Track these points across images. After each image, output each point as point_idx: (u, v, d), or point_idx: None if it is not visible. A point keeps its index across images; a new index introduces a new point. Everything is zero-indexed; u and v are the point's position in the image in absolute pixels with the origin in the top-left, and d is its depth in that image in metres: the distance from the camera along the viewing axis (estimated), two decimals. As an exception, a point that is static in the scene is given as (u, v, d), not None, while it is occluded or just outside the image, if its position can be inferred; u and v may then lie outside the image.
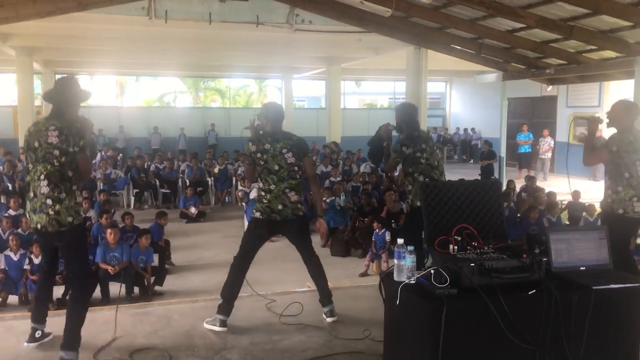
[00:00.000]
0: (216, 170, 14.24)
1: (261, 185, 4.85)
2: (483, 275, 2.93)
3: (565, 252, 3.28)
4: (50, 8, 10.56)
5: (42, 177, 3.88)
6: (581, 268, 3.30)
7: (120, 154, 18.07)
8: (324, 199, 10.87)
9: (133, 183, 13.47)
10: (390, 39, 13.75)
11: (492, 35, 11.78)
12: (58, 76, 24.48)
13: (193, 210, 12.40)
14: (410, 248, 3.11)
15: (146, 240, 7.83)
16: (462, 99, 27.49)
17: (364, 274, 8.72)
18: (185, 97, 27.02)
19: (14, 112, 21.58)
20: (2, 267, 7.31)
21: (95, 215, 9.34)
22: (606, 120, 5.25)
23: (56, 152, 3.87)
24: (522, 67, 13.66)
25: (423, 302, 2.92)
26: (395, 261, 3.15)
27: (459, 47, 13.19)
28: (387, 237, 8.96)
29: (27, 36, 13.94)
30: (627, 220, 5.09)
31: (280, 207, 4.76)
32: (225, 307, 4.70)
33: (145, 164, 14.45)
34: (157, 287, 7.90)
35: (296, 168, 4.85)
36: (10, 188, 12.57)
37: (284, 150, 4.78)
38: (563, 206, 10.72)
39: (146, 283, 7.84)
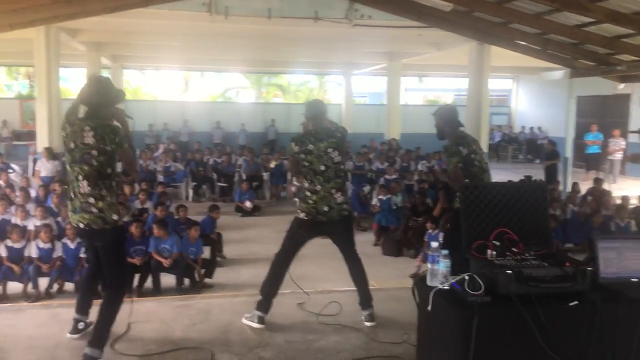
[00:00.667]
0: (272, 165, 14.31)
1: (307, 185, 4.71)
2: (520, 283, 2.75)
3: (615, 261, 3.05)
4: (115, 4, 10.88)
5: (80, 177, 3.92)
6: (633, 280, 3.05)
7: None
8: (380, 197, 10.72)
9: (192, 176, 13.73)
10: (452, 35, 13.44)
11: (558, 30, 11.30)
12: (126, 71, 25.40)
13: (248, 204, 12.49)
14: (445, 252, 2.96)
15: (195, 232, 7.92)
16: (529, 96, 26.56)
17: (415, 275, 8.51)
18: (248, 93, 27.35)
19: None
20: (60, 254, 7.54)
21: (152, 207, 9.54)
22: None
23: (94, 152, 3.89)
24: (592, 63, 13.05)
25: (454, 310, 2.77)
26: (429, 265, 3.01)
27: (524, 43, 12.73)
28: (441, 238, 8.73)
29: (95, 32, 14.43)
30: None
31: (326, 208, 4.64)
32: (264, 304, 4.67)
33: (205, 157, 14.69)
34: (206, 279, 7.97)
35: (342, 166, 4.77)
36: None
37: (330, 150, 4.65)
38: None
39: (196, 275, 7.92)
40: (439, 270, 2.95)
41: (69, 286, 7.72)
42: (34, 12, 10.54)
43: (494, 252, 3.00)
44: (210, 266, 8.10)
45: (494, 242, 3.04)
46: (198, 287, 7.80)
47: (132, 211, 9.84)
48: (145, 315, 4.68)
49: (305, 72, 26.31)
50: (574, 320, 2.78)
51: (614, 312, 2.79)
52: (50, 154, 11.88)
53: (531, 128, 24.90)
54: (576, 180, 12.94)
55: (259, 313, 4.63)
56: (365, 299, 4.82)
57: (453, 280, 2.89)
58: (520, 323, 2.68)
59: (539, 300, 2.73)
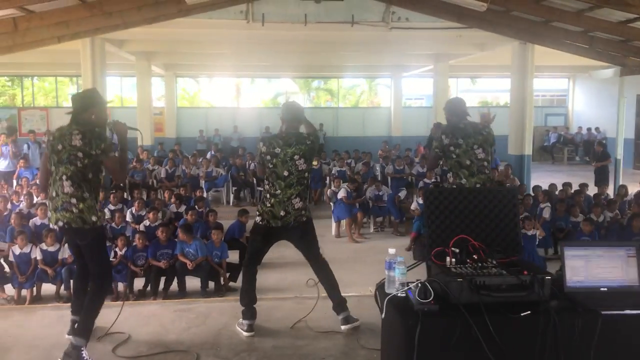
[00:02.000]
0: (315, 164, 14.42)
1: (267, 187, 4.69)
2: (473, 292, 2.66)
3: (582, 270, 2.90)
4: (153, 14, 11.20)
5: (64, 177, 4.09)
6: (602, 289, 2.90)
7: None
8: (420, 200, 10.56)
9: (232, 181, 13.96)
10: (495, 35, 13.14)
11: (602, 27, 10.86)
12: (180, 79, 26.11)
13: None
14: (401, 259, 2.90)
15: (217, 235, 8.04)
16: (587, 96, 25.55)
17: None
18: (298, 98, 27.53)
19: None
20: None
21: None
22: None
23: (80, 154, 4.08)
24: (642, 60, 12.50)
25: (400, 318, 2.70)
26: (386, 272, 2.96)
27: (568, 42, 12.29)
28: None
29: (140, 42, 14.95)
30: None
31: (282, 213, 4.58)
32: (248, 312, 4.67)
33: (247, 163, 14.91)
34: (231, 283, 8.09)
35: (306, 174, 4.67)
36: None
37: (296, 157, 4.58)
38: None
39: (222, 279, 8.05)
40: (395, 277, 2.90)
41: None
42: (77, 25, 10.97)
43: (453, 260, 2.92)
44: (235, 270, 8.20)
45: (453, 249, 2.95)
46: (222, 291, 7.93)
47: (168, 215, 10.11)
48: (145, 319, 4.80)
49: (354, 76, 26.23)
50: (526, 331, 2.65)
51: (570, 323, 2.65)
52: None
53: (588, 129, 23.95)
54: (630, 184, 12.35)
55: (246, 321, 4.63)
56: (338, 303, 4.73)
57: (408, 288, 2.83)
58: (468, 333, 2.59)
59: (491, 310, 2.63)
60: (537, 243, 8.52)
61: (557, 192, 11.36)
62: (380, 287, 3.06)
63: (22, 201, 10.47)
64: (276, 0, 12.20)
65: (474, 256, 2.93)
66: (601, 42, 11.93)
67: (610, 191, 12.54)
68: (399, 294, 2.86)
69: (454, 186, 5.27)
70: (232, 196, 13.94)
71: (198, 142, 22.91)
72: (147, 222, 8.89)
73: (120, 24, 11.23)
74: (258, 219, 4.72)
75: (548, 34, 12.11)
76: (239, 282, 8.17)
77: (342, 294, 4.82)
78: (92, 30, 11.65)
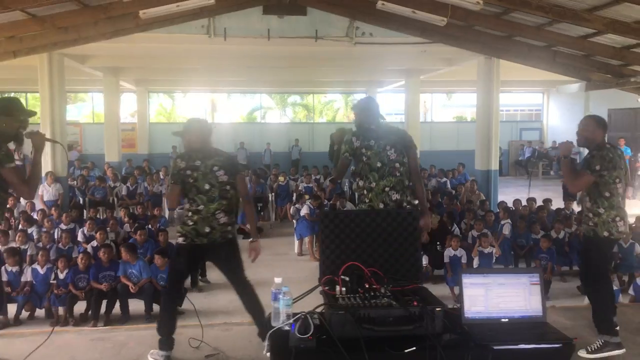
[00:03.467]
0: (281, 180, 14.26)
1: (187, 206, 4.46)
2: (357, 325, 2.45)
3: (482, 299, 2.70)
4: (110, 29, 10.98)
5: None
6: (502, 320, 2.70)
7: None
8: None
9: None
10: (460, 50, 13.08)
11: (563, 42, 10.84)
12: (153, 94, 25.84)
13: (249, 226, 12.32)
14: (286, 289, 2.68)
15: (159, 260, 7.76)
16: (561, 110, 25.65)
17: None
18: (274, 113, 27.40)
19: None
20: (29, 279, 7.53)
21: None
22: (575, 140, 4.79)
23: None
24: (607, 75, 12.45)
25: (274, 355, 2.49)
26: (272, 303, 2.74)
27: (533, 56, 12.24)
28: (425, 261, 8.37)
29: (102, 57, 14.71)
30: (611, 243, 4.71)
31: (207, 229, 4.37)
32: (166, 343, 4.41)
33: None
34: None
35: (228, 187, 4.46)
36: (81, 202, 13.19)
37: (215, 168, 4.40)
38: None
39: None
40: (279, 310, 2.67)
41: (40, 312, 7.68)
42: (32, 40, 10.75)
43: (344, 289, 2.71)
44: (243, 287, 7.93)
45: (343, 277, 2.74)
46: (167, 314, 7.62)
47: (122, 235, 9.84)
48: (57, 349, 4.51)
49: (329, 92, 26.20)
50: None
51: (460, 359, 2.45)
52: (53, 178, 12.05)
53: (564, 143, 23.98)
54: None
55: (163, 353, 4.38)
56: (263, 329, 4.46)
57: (293, 321, 2.60)
58: (345, 372, 2.37)
59: (375, 345, 2.42)
60: (494, 261, 8.33)
61: (520, 208, 11.23)
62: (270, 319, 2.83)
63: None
64: (238, 15, 12.08)
65: (366, 285, 2.72)
66: (564, 56, 11.90)
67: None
68: (283, 328, 2.63)
69: (364, 190, 4.81)
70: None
71: (171, 159, 22.59)
72: (94, 243, 8.61)
73: (76, 38, 11.01)
74: (181, 239, 4.47)
75: (512, 48, 12.07)
76: (188, 305, 7.97)
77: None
78: (49, 45, 11.41)
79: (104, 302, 7.45)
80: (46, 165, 12.37)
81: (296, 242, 11.24)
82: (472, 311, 2.69)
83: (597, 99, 19.29)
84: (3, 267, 7.57)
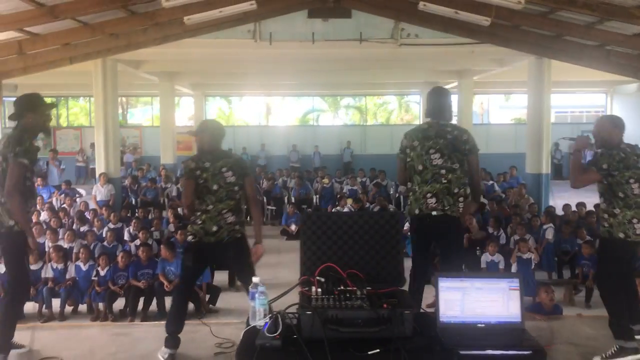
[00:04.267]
0: (325, 183, 14.31)
1: (197, 205, 4.56)
2: (325, 326, 2.46)
3: (458, 303, 2.65)
4: (158, 35, 11.33)
5: None
6: (479, 325, 2.63)
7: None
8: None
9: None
10: (511, 50, 12.78)
11: (616, 40, 10.38)
12: (210, 98, 26.45)
13: (293, 227, 12.49)
14: (262, 288, 2.72)
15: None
16: (627, 111, 24.45)
17: (432, 305, 8.03)
18: (327, 116, 27.53)
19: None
20: (72, 275, 7.88)
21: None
22: (592, 140, 4.82)
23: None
24: (666, 75, 11.89)
25: (240, 354, 2.52)
26: (250, 303, 2.78)
27: (585, 56, 11.80)
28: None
29: (156, 62, 15.16)
30: (629, 245, 4.44)
31: (215, 228, 4.46)
32: (171, 341, 4.50)
33: (263, 181, 14.91)
34: (211, 305, 7.99)
35: (236, 188, 4.55)
36: (133, 202, 13.67)
37: (224, 169, 4.52)
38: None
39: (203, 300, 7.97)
40: (256, 308, 2.71)
41: (82, 307, 8.00)
42: (85, 46, 11.22)
43: (319, 289, 2.71)
44: (215, 292, 8.12)
45: (319, 278, 2.75)
46: (202, 313, 7.82)
47: (167, 235, 10.13)
48: (78, 342, 4.73)
49: (382, 94, 26.12)
50: None
51: None
52: (106, 179, 12.54)
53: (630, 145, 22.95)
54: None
55: (167, 350, 4.47)
56: None
57: (266, 320, 2.63)
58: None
59: (342, 346, 2.42)
60: (532, 267, 8.09)
61: (570, 213, 10.85)
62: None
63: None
64: (284, 19, 12.22)
65: (341, 287, 2.72)
66: (619, 55, 11.39)
67: None
68: (257, 327, 2.67)
69: (409, 193, 4.72)
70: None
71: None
72: (137, 242, 8.91)
73: (127, 44, 11.41)
74: (190, 237, 4.61)
75: (562, 48, 11.66)
76: (224, 304, 8.15)
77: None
78: (102, 51, 11.86)
79: (142, 299, 7.69)
80: (99, 166, 12.90)
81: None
82: (447, 315, 2.65)
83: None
84: (50, 264, 7.94)
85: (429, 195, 4.50)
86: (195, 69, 17.15)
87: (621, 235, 4.37)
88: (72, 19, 9.42)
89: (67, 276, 7.84)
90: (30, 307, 7.75)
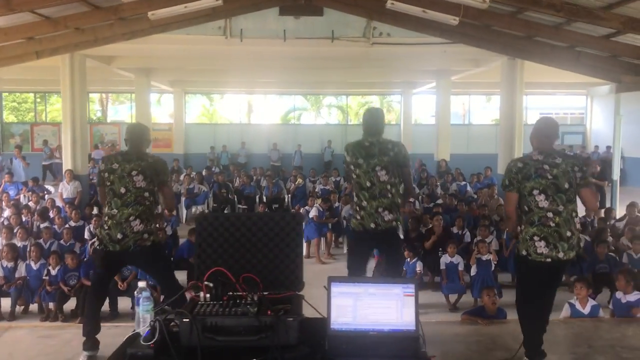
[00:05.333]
0: (299, 182, 14.19)
1: (106, 209, 4.42)
2: (201, 334, 2.34)
3: (350, 310, 2.54)
4: (125, 30, 11.18)
5: None
6: (371, 333, 2.52)
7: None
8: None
9: (214, 198, 13.79)
10: (485, 50, 12.71)
11: (585, 42, 10.40)
12: (191, 95, 26.22)
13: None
14: (147, 294, 2.59)
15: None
16: (605, 113, 24.60)
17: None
18: (309, 115, 27.36)
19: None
20: (23, 274, 7.71)
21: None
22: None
23: None
24: (638, 77, 11.84)
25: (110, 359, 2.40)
26: (136, 308, 2.65)
27: (555, 57, 11.75)
28: (419, 267, 8.14)
29: (127, 58, 14.96)
30: (531, 264, 4.09)
31: (119, 236, 4.28)
32: (88, 343, 4.36)
33: (236, 179, 14.81)
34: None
35: (146, 194, 4.37)
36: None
37: (134, 173, 4.34)
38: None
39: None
40: (140, 314, 2.58)
41: (34, 307, 7.84)
42: (51, 41, 11.04)
43: (208, 295, 2.59)
44: (173, 292, 7.94)
45: (207, 283, 2.62)
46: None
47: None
48: (3, 345, 4.57)
49: (363, 93, 26.01)
50: None
51: None
52: (71, 176, 12.36)
53: (608, 147, 22.95)
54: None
55: (85, 353, 4.33)
56: None
57: (149, 327, 2.51)
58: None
59: (221, 355, 2.30)
60: (492, 268, 8.02)
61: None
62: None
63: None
64: (255, 16, 12.11)
65: (230, 292, 2.60)
66: (589, 57, 11.38)
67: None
68: (143, 333, 2.54)
69: (356, 207, 4.88)
70: (212, 213, 13.77)
71: (208, 159, 22.90)
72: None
73: (92, 39, 11.23)
74: (97, 242, 4.49)
75: (533, 49, 11.63)
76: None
77: None
78: (70, 45, 11.66)
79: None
80: (66, 163, 12.70)
81: (304, 245, 11.11)
82: (338, 322, 2.53)
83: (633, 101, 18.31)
84: (0, 262, 7.77)
85: (380, 209, 4.71)
86: (169, 65, 16.97)
87: (524, 252, 4.13)
88: (31, 11, 9.24)
89: (17, 275, 7.66)
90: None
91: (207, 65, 16.36)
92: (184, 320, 2.37)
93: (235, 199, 13.67)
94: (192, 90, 25.10)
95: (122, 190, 4.32)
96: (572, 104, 27.12)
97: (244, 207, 13.71)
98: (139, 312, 2.59)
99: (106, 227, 4.35)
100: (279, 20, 12.23)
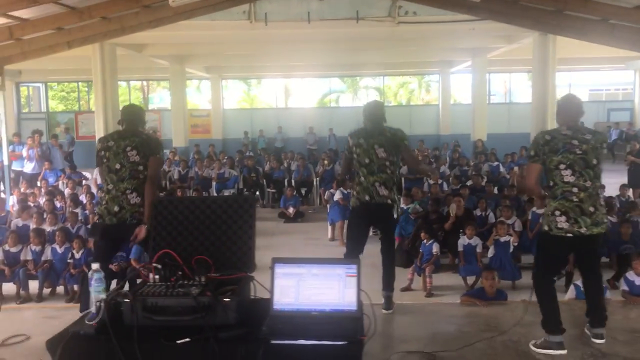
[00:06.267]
0: (326, 165, 14.20)
1: (104, 185, 4.60)
2: (140, 314, 2.39)
3: (293, 290, 2.54)
4: (150, 18, 11.35)
5: None
6: (313, 313, 2.52)
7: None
8: (402, 205, 10.11)
9: (243, 182, 13.94)
10: (514, 26, 12.36)
11: (617, 14, 9.91)
12: (230, 81, 26.45)
13: (291, 210, 12.44)
14: (99, 275, 2.65)
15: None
16: (656, 88, 23.61)
17: (407, 289, 7.92)
18: (346, 97, 27.26)
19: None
20: (49, 258, 8.00)
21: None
22: None
23: None
24: (679, 49, 11.32)
25: (54, 339, 2.47)
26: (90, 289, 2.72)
27: (588, 31, 11.31)
28: (435, 249, 8.04)
29: (158, 46, 15.19)
30: (553, 240, 4.04)
31: (116, 208, 4.42)
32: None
33: (266, 164, 14.94)
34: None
35: (140, 167, 4.47)
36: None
37: (128, 148, 4.46)
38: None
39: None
40: (92, 295, 2.65)
41: (60, 289, 8.12)
42: (79, 31, 11.32)
43: (157, 276, 2.64)
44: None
45: (155, 265, 2.67)
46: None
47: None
48: (11, 324, 4.75)
49: (400, 74, 25.66)
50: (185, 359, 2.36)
51: (232, 353, 2.31)
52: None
53: (657, 124, 22.11)
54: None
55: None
56: None
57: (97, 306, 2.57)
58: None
59: (160, 335, 2.35)
60: (511, 250, 7.86)
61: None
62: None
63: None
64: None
65: (178, 273, 2.64)
66: (624, 29, 10.87)
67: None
68: (93, 313, 2.62)
69: (355, 184, 5.20)
70: (242, 197, 13.92)
71: (243, 144, 23.12)
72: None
73: (121, 28, 11.46)
74: (96, 218, 4.65)
75: (565, 23, 11.23)
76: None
77: None
78: (98, 35, 11.94)
79: (114, 282, 7.74)
80: (99, 149, 13.06)
81: (329, 227, 11.16)
82: (281, 302, 2.54)
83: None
84: (29, 246, 8.09)
85: (377, 184, 4.95)
86: (199, 52, 17.14)
87: (546, 227, 4.07)
88: (55, 2, 9.47)
89: (43, 258, 7.95)
90: (9, 288, 7.94)
91: (234, 51, 16.49)
92: (125, 300, 2.42)
93: (265, 183, 13.79)
94: (228, 75, 25.31)
95: (117, 166, 4.46)
96: (619, 80, 26.12)
97: (272, 190, 13.82)
98: (91, 292, 2.65)
99: (104, 202, 4.53)
100: (302, 2, 12.14)
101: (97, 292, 2.65)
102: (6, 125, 21.51)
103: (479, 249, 7.94)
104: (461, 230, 8.68)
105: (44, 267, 7.89)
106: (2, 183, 13.96)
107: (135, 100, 26.57)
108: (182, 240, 2.84)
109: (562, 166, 3.98)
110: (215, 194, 13.61)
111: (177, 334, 2.36)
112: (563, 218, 3.96)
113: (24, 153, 13.96)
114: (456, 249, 8.40)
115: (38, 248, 8.04)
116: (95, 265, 2.71)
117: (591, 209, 3.97)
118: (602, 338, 4.15)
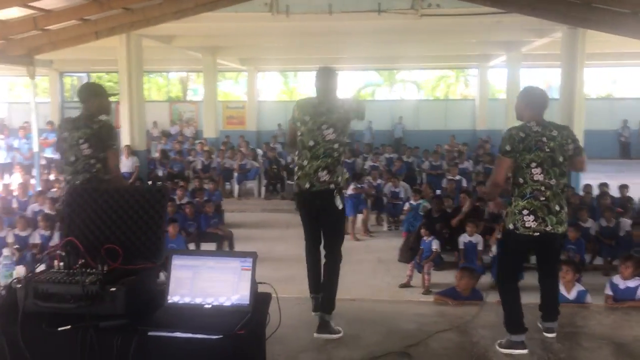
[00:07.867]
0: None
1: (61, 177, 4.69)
2: (27, 300, 2.44)
3: (188, 282, 2.53)
4: (173, 9, 11.50)
5: None
6: (205, 306, 2.50)
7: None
8: (411, 201, 10.01)
9: (265, 174, 14.02)
10: (543, 20, 11.97)
11: (646, 6, 9.48)
12: (261, 74, 26.57)
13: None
14: (7, 260, 2.71)
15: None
16: None
17: (405, 285, 7.84)
18: (382, 90, 27.04)
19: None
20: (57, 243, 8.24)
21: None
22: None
23: None
24: None
25: None
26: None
27: (618, 24, 10.85)
28: (435, 246, 7.92)
29: (186, 37, 15.34)
30: (518, 238, 3.97)
31: None
32: None
33: (289, 156, 14.99)
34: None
35: (92, 161, 4.44)
36: (160, 174, 14.07)
37: (81, 141, 4.42)
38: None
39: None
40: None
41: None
42: (104, 22, 11.57)
43: (62, 264, 2.68)
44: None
45: (60, 252, 2.70)
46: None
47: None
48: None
49: (436, 67, 25.22)
50: (66, 347, 2.37)
51: (109, 342, 2.32)
52: (129, 151, 12.98)
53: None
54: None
55: None
56: None
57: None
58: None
59: (50, 322, 2.40)
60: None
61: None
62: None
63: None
64: (300, -9, 12.05)
65: (80, 261, 2.66)
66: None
67: None
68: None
69: (296, 167, 4.54)
70: (263, 189, 14.00)
71: (272, 136, 23.20)
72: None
73: (141, 20, 11.65)
74: None
75: (593, 16, 10.80)
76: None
77: None
78: (125, 25, 12.16)
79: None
80: (124, 138, 13.35)
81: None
82: (176, 294, 2.55)
83: None
84: (37, 230, 8.36)
85: (320, 170, 4.32)
86: (228, 43, 17.22)
87: (511, 226, 3.97)
88: (74, -7, 9.72)
89: (51, 243, 8.19)
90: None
91: (259, 43, 16.53)
92: (18, 286, 2.47)
93: (285, 175, 13.83)
94: (265, 68, 25.41)
95: (72, 158, 4.45)
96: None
97: (292, 182, 13.84)
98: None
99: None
100: (324, -7, 12.09)
101: (3, 277, 2.71)
102: (51, 112, 22.42)
103: (480, 247, 7.77)
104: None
105: (50, 252, 8.11)
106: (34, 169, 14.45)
107: (175, 93, 27.04)
108: (94, 228, 2.87)
109: (533, 164, 3.90)
110: (236, 185, 13.78)
111: (61, 321, 2.40)
112: (531, 217, 3.90)
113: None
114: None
115: (47, 233, 8.28)
116: (6, 251, 2.77)
117: (557, 207, 3.93)
118: (552, 332, 4.18)
